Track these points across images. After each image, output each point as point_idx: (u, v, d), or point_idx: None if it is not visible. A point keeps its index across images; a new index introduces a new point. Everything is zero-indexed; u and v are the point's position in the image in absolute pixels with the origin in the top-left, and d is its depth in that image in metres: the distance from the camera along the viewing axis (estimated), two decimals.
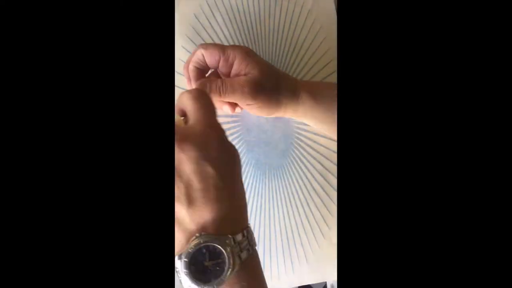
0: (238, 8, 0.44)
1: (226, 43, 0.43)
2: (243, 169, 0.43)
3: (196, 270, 0.23)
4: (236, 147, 0.43)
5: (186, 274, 0.23)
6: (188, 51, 0.43)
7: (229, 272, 0.23)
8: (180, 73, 0.42)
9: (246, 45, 0.44)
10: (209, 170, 0.25)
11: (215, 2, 0.44)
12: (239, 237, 0.25)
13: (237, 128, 0.43)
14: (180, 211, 0.25)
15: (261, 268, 0.27)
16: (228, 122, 0.43)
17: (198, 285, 0.23)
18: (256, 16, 0.45)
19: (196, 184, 0.25)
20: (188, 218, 0.25)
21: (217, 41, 0.43)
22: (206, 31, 0.43)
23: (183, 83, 0.42)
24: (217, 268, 0.23)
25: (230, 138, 0.43)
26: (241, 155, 0.43)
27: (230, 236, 0.24)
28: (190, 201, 0.25)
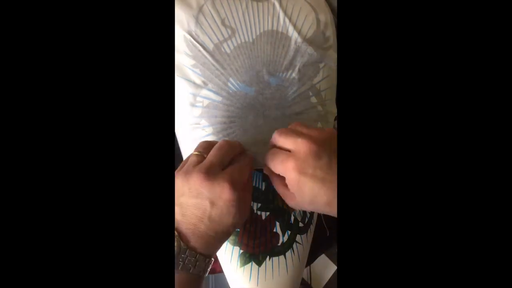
0: (237, 9, 0.44)
1: (225, 44, 0.44)
2: None
3: None
4: None
5: None
6: (188, 54, 0.43)
7: None
8: (180, 76, 0.43)
9: (246, 44, 0.44)
10: None
11: (214, 3, 0.44)
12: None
13: (234, 129, 0.43)
14: None
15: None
16: (225, 123, 0.43)
17: None
18: (255, 16, 0.45)
19: None
20: None
21: (216, 42, 0.43)
22: (205, 32, 0.43)
23: (184, 86, 0.42)
24: None
25: (227, 139, 0.43)
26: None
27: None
28: None
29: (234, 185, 0.33)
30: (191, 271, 0.32)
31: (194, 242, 0.32)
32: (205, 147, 0.36)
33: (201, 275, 0.33)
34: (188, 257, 0.32)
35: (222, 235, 0.34)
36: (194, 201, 0.32)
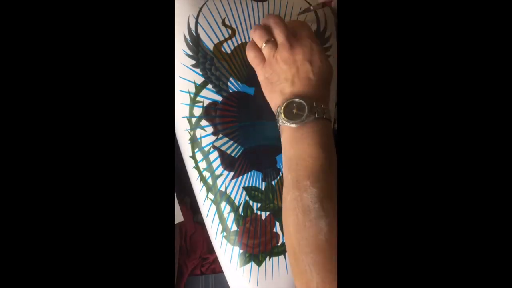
0: (237, 9, 0.44)
1: (226, 44, 0.44)
2: (242, 175, 0.43)
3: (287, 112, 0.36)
4: (235, 152, 0.43)
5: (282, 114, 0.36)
6: (188, 54, 0.43)
7: (305, 118, 0.35)
8: (180, 76, 0.43)
9: (246, 44, 0.44)
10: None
11: (214, 3, 0.44)
12: (318, 108, 0.36)
13: (234, 129, 0.43)
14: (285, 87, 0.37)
15: (328, 136, 0.37)
16: (225, 123, 0.43)
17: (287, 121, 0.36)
18: (255, 16, 0.45)
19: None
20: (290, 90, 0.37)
21: (216, 42, 0.43)
22: (205, 32, 0.43)
23: (184, 86, 0.42)
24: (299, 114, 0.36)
25: (230, 144, 0.43)
26: (240, 161, 0.43)
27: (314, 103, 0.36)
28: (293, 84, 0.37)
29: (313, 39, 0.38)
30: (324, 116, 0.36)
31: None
32: (264, 34, 0.39)
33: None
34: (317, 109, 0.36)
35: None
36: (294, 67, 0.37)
